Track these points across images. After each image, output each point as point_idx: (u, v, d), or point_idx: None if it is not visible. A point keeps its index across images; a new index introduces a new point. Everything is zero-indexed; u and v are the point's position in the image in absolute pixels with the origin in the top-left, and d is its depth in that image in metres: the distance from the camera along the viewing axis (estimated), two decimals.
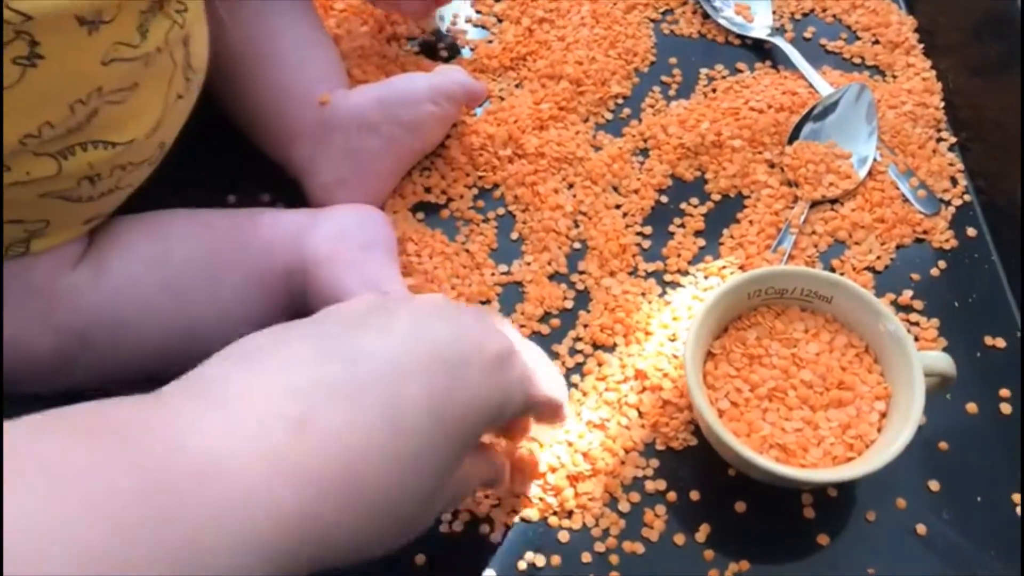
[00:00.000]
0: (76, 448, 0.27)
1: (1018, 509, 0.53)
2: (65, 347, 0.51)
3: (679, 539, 0.52)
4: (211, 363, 0.35)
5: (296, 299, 0.55)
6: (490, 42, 0.73)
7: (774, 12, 0.76)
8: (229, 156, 0.64)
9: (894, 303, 0.60)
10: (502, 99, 0.69)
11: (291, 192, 0.63)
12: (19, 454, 0.26)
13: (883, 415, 0.51)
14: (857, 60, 0.73)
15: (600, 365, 0.57)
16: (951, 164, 0.67)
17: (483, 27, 0.75)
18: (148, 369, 0.52)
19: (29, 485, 0.26)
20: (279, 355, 0.34)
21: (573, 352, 0.58)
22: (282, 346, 0.35)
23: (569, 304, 0.60)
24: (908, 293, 0.60)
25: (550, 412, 0.45)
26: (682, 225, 0.64)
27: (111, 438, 0.28)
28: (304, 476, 0.31)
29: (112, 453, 0.28)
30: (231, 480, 0.29)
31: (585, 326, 0.59)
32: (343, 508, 0.32)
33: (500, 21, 0.75)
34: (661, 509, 0.53)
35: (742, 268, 0.61)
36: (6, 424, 0.27)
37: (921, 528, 0.52)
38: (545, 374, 0.44)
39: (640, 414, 0.55)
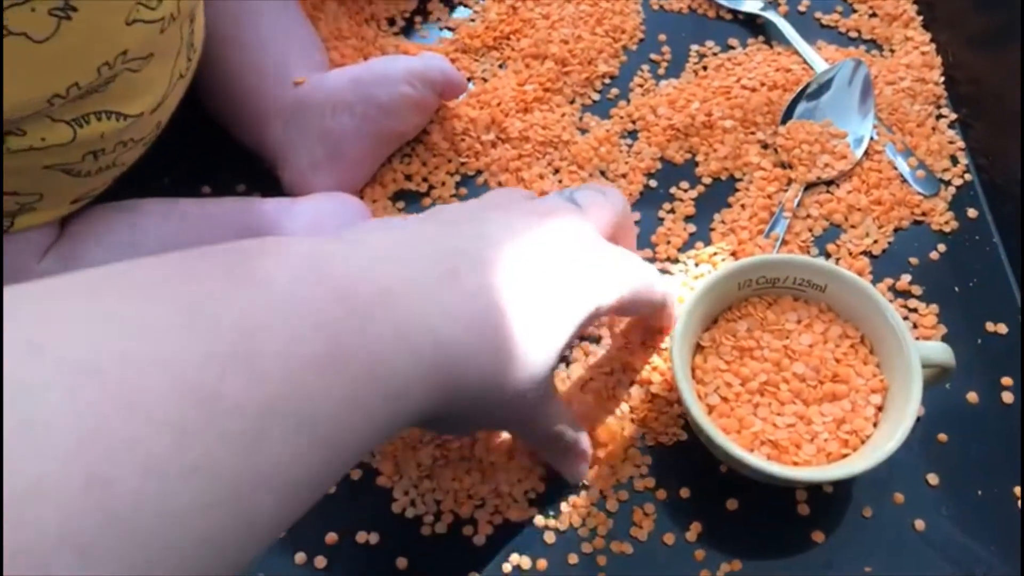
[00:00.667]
0: (270, 263, 0.31)
1: (1020, 503, 0.51)
2: None
3: (669, 538, 0.50)
4: (358, 229, 0.39)
5: None
6: (472, 20, 0.71)
7: None
8: (203, 146, 0.62)
9: (892, 288, 0.58)
10: (485, 80, 0.67)
11: (266, 182, 0.61)
12: (219, 267, 0.30)
13: (879, 409, 0.49)
14: (853, 34, 0.71)
15: (587, 355, 0.55)
16: (951, 142, 0.65)
17: (464, 5, 0.72)
18: None
19: (240, 287, 0.29)
20: (420, 227, 0.39)
21: None
22: (421, 222, 0.40)
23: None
24: (906, 278, 0.58)
25: (650, 299, 0.47)
26: (672, 210, 0.62)
27: (299, 257, 0.32)
28: (458, 315, 0.35)
29: (304, 269, 0.31)
30: (403, 311, 0.33)
31: None
32: (486, 347, 0.36)
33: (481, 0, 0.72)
34: (650, 507, 0.51)
35: (734, 255, 0.59)
36: (192, 251, 0.31)
37: (920, 524, 0.51)
38: (646, 277, 0.46)
39: (629, 409, 0.53)
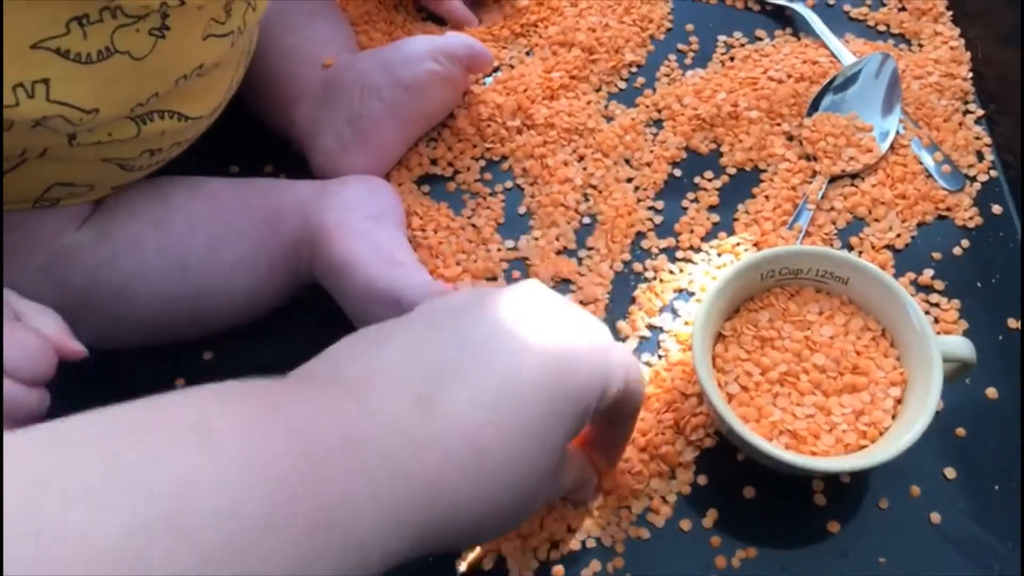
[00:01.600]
0: (226, 412, 0.29)
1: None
2: (66, 305, 0.50)
3: (685, 525, 0.50)
4: (336, 355, 0.37)
5: (302, 270, 0.55)
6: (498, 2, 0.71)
7: None
8: (232, 126, 0.63)
9: (914, 283, 0.58)
10: (511, 67, 0.67)
11: (294, 163, 0.62)
12: (173, 419, 0.28)
13: (898, 401, 0.49)
14: (882, 28, 0.71)
15: None
16: (977, 138, 0.64)
17: None
18: (152, 334, 0.53)
19: (185, 444, 0.27)
20: (396, 344, 0.36)
21: None
22: (399, 334, 0.37)
23: (577, 281, 0.58)
24: (929, 272, 0.58)
25: (634, 404, 0.44)
26: (696, 200, 0.62)
27: (258, 405, 0.30)
28: (433, 447, 0.32)
29: (259, 419, 0.29)
30: (369, 450, 0.31)
31: (592, 303, 0.57)
32: (470, 476, 0.33)
33: None
34: (666, 494, 0.51)
35: (757, 245, 0.59)
36: (161, 397, 0.29)
37: (935, 517, 0.51)
38: (638, 366, 0.44)
39: (648, 397, 0.54)
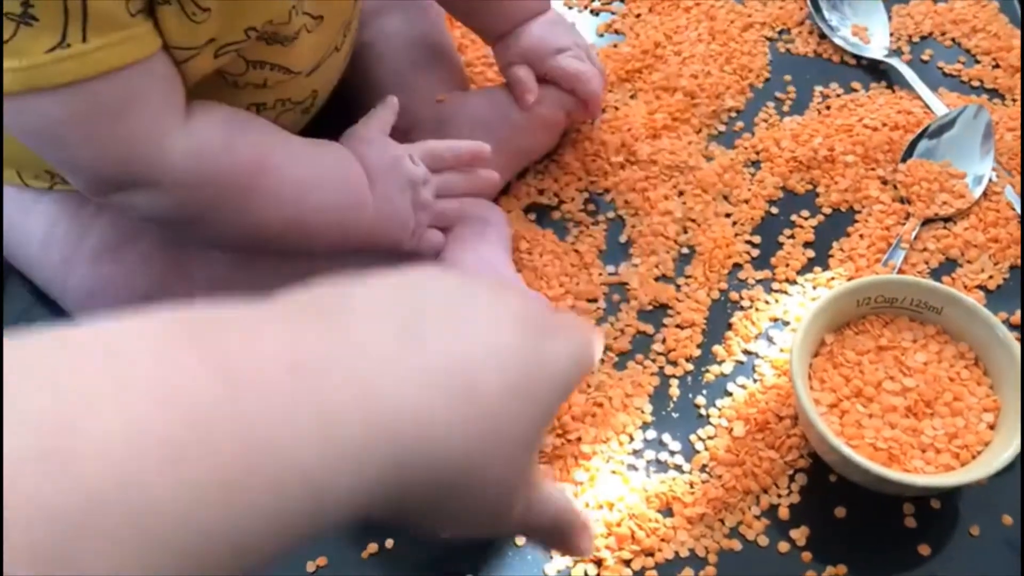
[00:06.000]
0: (145, 332, 0.25)
1: None
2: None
3: (777, 540, 0.52)
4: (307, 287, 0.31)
5: None
6: (615, 47, 0.76)
7: (891, 34, 0.76)
8: None
9: (1006, 322, 0.60)
10: (616, 108, 0.71)
11: None
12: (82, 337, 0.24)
13: (991, 427, 0.51)
14: (975, 83, 0.73)
15: (705, 371, 0.58)
16: None
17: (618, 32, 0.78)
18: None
19: (79, 364, 0.23)
20: (378, 280, 0.32)
21: (672, 361, 0.59)
22: (383, 275, 0.32)
23: (675, 306, 0.61)
24: (1020, 313, 0.60)
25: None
26: (792, 236, 0.64)
27: (190, 328, 0.26)
28: (416, 378, 0.28)
29: (182, 341, 0.25)
30: (323, 377, 0.26)
31: (690, 327, 0.60)
32: (459, 412, 0.29)
33: (618, 34, 0.77)
34: (760, 511, 0.53)
35: (851, 280, 0.61)
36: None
37: None
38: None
39: (744, 420, 0.56)
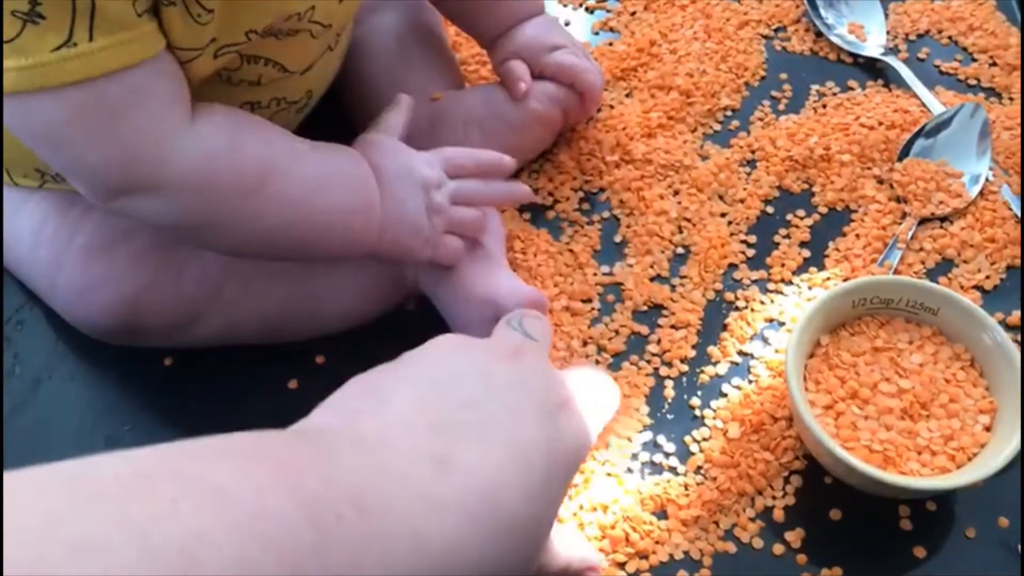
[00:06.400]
0: (237, 471, 0.29)
1: None
2: (197, 296, 0.54)
3: (772, 542, 0.52)
4: (342, 403, 0.37)
5: (408, 276, 0.58)
6: (611, 45, 0.75)
7: (888, 32, 0.76)
8: None
9: (1003, 323, 0.59)
10: (611, 107, 0.71)
11: None
12: (185, 473, 0.27)
13: (987, 429, 0.51)
14: (972, 81, 0.73)
15: (700, 371, 0.58)
16: None
17: (612, 30, 0.78)
18: (268, 331, 0.56)
19: (195, 502, 0.27)
20: (403, 399, 0.36)
21: (666, 362, 0.59)
22: (405, 387, 0.37)
23: (669, 307, 0.61)
24: (1017, 314, 0.60)
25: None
26: (787, 236, 0.64)
27: (270, 465, 0.30)
28: (449, 510, 0.32)
29: (270, 480, 0.29)
30: (385, 516, 0.30)
31: (684, 327, 0.60)
32: (487, 535, 0.33)
33: (613, 32, 0.76)
34: (755, 512, 0.53)
35: (846, 281, 0.61)
36: (178, 445, 0.29)
37: None
38: (606, 401, 0.46)
39: (739, 421, 0.55)
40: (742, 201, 0.66)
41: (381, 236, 0.54)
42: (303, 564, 0.27)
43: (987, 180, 0.65)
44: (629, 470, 0.54)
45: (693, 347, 0.59)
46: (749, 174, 0.67)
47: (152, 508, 0.26)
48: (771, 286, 0.62)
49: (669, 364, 0.58)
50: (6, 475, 0.25)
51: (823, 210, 0.65)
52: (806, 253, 0.63)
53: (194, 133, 0.47)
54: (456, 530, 0.32)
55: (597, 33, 0.77)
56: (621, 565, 0.51)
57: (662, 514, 0.52)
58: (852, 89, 0.73)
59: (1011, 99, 0.71)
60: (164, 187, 0.46)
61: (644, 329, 0.60)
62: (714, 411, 0.56)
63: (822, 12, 0.76)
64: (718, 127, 0.70)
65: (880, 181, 0.66)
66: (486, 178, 0.58)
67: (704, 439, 0.55)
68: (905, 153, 0.66)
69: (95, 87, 0.42)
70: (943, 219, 0.64)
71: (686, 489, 0.53)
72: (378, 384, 0.37)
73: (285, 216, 0.51)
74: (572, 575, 0.45)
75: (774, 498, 0.53)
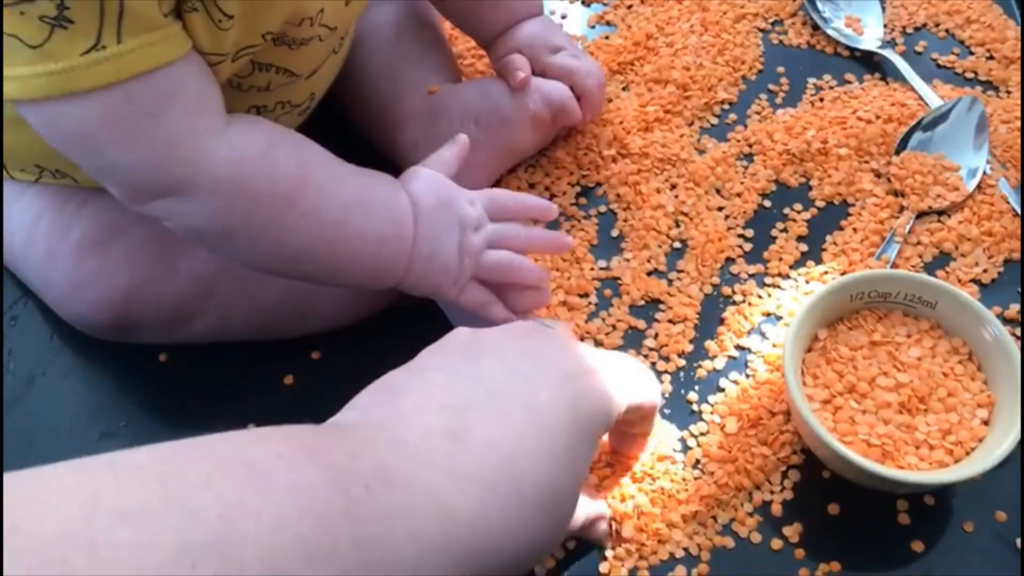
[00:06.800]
0: (271, 450, 0.30)
1: None
2: (191, 294, 0.54)
3: (770, 537, 0.52)
4: (358, 402, 0.38)
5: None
6: (607, 38, 0.75)
7: (885, 25, 0.75)
8: (340, 144, 0.67)
9: (1000, 316, 0.59)
10: (609, 101, 0.70)
11: None
12: (218, 452, 0.29)
13: (985, 423, 0.50)
14: (970, 75, 0.73)
15: (697, 366, 0.58)
16: None
17: (609, 24, 0.77)
18: (266, 329, 0.56)
19: (230, 474, 0.28)
20: (415, 390, 0.37)
21: (664, 357, 0.58)
22: (416, 379, 0.38)
23: (667, 301, 0.60)
24: (1015, 307, 0.59)
25: (645, 413, 0.47)
26: (785, 230, 0.64)
27: (300, 445, 0.31)
28: (469, 481, 0.33)
29: (301, 456, 0.30)
30: (409, 487, 0.31)
31: (682, 322, 0.59)
32: (510, 507, 0.34)
33: (610, 26, 0.76)
34: (752, 507, 0.53)
35: (844, 275, 0.60)
36: (206, 437, 0.30)
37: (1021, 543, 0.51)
38: (638, 379, 0.46)
39: (737, 416, 0.55)
40: (739, 195, 0.65)
41: (410, 268, 0.52)
42: (338, 530, 0.28)
43: (985, 174, 0.65)
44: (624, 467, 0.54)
45: (690, 342, 0.59)
46: (746, 168, 0.67)
47: (189, 479, 0.27)
48: (768, 280, 0.62)
49: (666, 359, 0.58)
50: (51, 466, 0.27)
51: (820, 204, 0.65)
52: (803, 247, 0.63)
53: (228, 138, 0.47)
54: (481, 501, 0.33)
55: (594, 27, 0.77)
56: (621, 560, 0.51)
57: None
58: (849, 83, 0.72)
59: (1008, 92, 0.71)
60: (196, 191, 0.46)
61: (641, 324, 0.60)
62: (711, 406, 0.56)
63: (819, 5, 0.76)
64: (715, 121, 0.70)
65: (878, 175, 0.66)
66: (528, 221, 0.57)
67: (702, 434, 0.55)
68: (902, 147, 0.66)
69: (125, 89, 0.42)
70: (941, 213, 0.64)
71: (684, 484, 0.53)
72: (391, 382, 0.38)
73: (316, 234, 0.50)
74: (588, 528, 0.47)
75: (772, 493, 0.53)
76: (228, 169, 0.46)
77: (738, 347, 0.59)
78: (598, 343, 0.59)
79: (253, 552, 0.26)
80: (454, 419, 0.35)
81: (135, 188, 0.46)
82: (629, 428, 0.50)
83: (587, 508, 0.47)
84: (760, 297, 0.61)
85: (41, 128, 0.44)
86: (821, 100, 0.71)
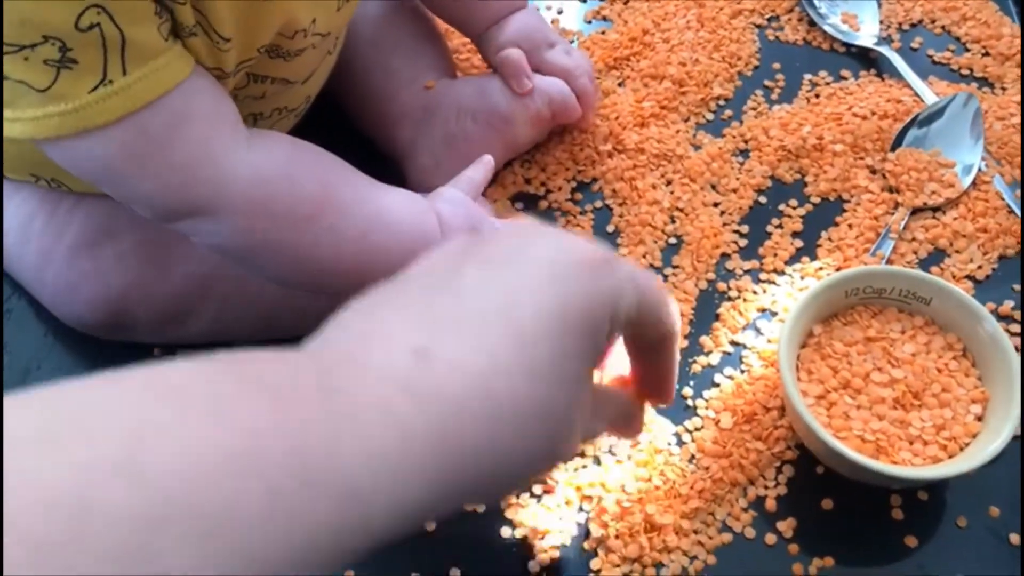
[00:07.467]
0: (186, 368, 0.28)
1: None
2: (186, 294, 0.54)
3: (764, 532, 0.52)
4: (331, 321, 0.35)
5: None
6: (603, 33, 0.75)
7: (881, 22, 0.75)
8: (336, 139, 0.67)
9: (995, 313, 0.59)
10: (604, 96, 0.70)
11: (393, 177, 0.65)
12: (126, 378, 0.26)
13: (979, 419, 0.51)
14: (965, 72, 0.73)
15: (692, 361, 0.58)
16: None
17: (605, 18, 0.77)
18: (260, 328, 0.56)
19: (132, 396, 0.26)
20: (391, 302, 0.34)
21: None
22: (393, 294, 0.35)
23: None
24: (1009, 303, 0.60)
25: (660, 318, 0.39)
26: (780, 226, 0.64)
27: (227, 362, 0.29)
28: (433, 398, 0.30)
29: (226, 372, 0.28)
30: (356, 402, 0.29)
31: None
32: (484, 426, 0.31)
33: (606, 21, 0.76)
34: (747, 502, 0.53)
35: (839, 271, 0.61)
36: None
37: (1015, 538, 0.51)
38: (652, 285, 0.39)
39: (731, 411, 0.55)
40: (735, 191, 0.65)
41: None
42: (266, 447, 0.26)
43: (980, 170, 0.65)
44: (619, 460, 0.54)
45: (685, 337, 0.59)
46: (742, 164, 0.67)
47: (90, 406, 0.25)
48: (763, 276, 0.62)
49: None
50: None
51: (816, 200, 0.65)
52: (799, 243, 0.63)
53: (249, 158, 0.47)
54: (445, 420, 0.30)
55: (590, 22, 0.77)
56: (618, 561, 0.51)
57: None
58: (845, 79, 0.72)
59: (1004, 89, 0.71)
60: (219, 211, 0.46)
61: None
62: (706, 401, 0.56)
63: (815, 1, 0.76)
64: (711, 116, 0.70)
65: (873, 171, 0.66)
66: None
67: (696, 429, 0.55)
68: (898, 143, 0.66)
69: (137, 120, 0.42)
70: (936, 209, 0.64)
71: (679, 478, 0.53)
72: (372, 298, 0.35)
73: (339, 251, 0.50)
74: (617, 425, 0.43)
75: (766, 488, 0.53)
76: (249, 189, 0.46)
77: (733, 343, 0.59)
78: None
79: (166, 470, 0.24)
80: (422, 336, 0.32)
81: (161, 211, 0.46)
82: (646, 349, 0.41)
83: (620, 406, 0.42)
84: (755, 293, 0.61)
85: (62, 163, 0.44)
86: (817, 96, 0.71)
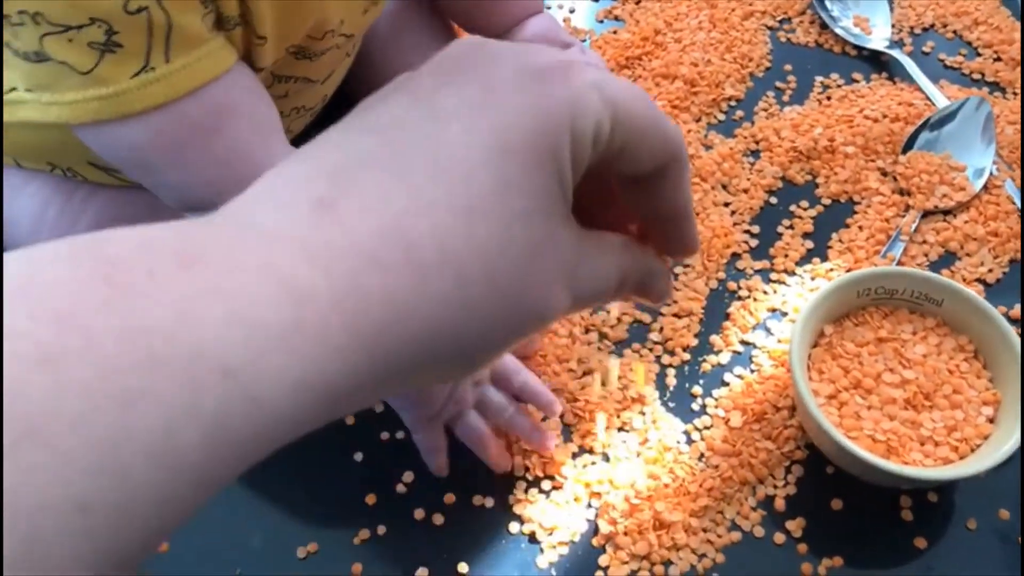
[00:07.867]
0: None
1: None
2: None
3: (773, 531, 0.52)
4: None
5: None
6: (615, 33, 0.75)
7: (893, 25, 0.76)
8: None
9: (1005, 316, 0.59)
10: None
11: None
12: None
13: (991, 421, 0.50)
14: (977, 76, 0.73)
15: (702, 360, 0.58)
16: None
17: (618, 18, 0.77)
18: None
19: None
20: (299, 154, 0.28)
21: (669, 351, 0.59)
22: (307, 146, 0.28)
23: (673, 295, 0.60)
24: (1019, 307, 0.59)
25: (648, 136, 0.29)
26: (791, 226, 0.64)
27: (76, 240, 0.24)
28: (337, 252, 0.25)
29: (66, 247, 0.23)
30: (221, 269, 0.24)
31: (687, 316, 0.59)
32: (403, 282, 0.25)
33: (618, 20, 0.76)
34: (756, 501, 0.53)
35: (850, 272, 0.61)
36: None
37: None
38: (634, 91, 0.30)
39: (741, 410, 0.55)
40: (746, 191, 0.65)
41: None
42: (93, 327, 0.21)
43: (991, 174, 0.65)
44: (628, 459, 0.54)
45: (695, 336, 0.59)
46: (753, 164, 0.67)
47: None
48: (774, 276, 0.62)
49: (671, 352, 0.58)
50: None
51: (827, 201, 0.65)
52: (809, 244, 0.63)
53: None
54: (351, 277, 0.25)
55: (602, 21, 0.77)
56: (626, 558, 0.51)
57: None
58: (857, 81, 0.73)
59: (1015, 94, 0.71)
60: None
61: (646, 317, 0.60)
62: (716, 400, 0.56)
63: (828, 4, 0.76)
64: (722, 117, 0.70)
65: (884, 173, 0.66)
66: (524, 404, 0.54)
67: (706, 428, 0.55)
68: (909, 146, 0.66)
69: (177, 108, 0.42)
70: (946, 212, 0.64)
71: (689, 476, 0.53)
72: (297, 152, 0.29)
73: None
74: (631, 286, 0.32)
75: (775, 487, 0.53)
76: None
77: (743, 342, 0.59)
78: (603, 335, 0.59)
79: None
80: (327, 185, 0.26)
81: (188, 202, 0.46)
82: (645, 186, 0.31)
83: (635, 261, 0.32)
84: (765, 293, 0.61)
85: (97, 149, 0.44)
86: (828, 98, 0.71)
